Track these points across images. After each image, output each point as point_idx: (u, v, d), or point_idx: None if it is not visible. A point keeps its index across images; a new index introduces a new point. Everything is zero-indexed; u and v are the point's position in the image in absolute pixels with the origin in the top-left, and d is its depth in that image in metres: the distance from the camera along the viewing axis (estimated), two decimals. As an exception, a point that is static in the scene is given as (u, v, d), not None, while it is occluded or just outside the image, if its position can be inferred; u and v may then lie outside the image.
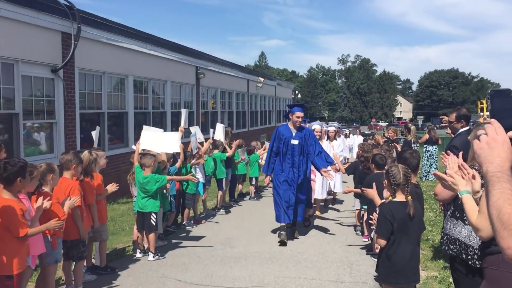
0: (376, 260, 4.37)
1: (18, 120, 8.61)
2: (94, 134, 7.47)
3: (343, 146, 11.74)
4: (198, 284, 5.59)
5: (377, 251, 4.75)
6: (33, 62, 8.97)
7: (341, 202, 11.10)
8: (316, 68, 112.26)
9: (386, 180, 3.99)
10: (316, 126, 9.97)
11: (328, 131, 10.73)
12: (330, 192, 10.63)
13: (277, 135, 8.01)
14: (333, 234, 8.00)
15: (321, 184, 9.55)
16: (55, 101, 9.68)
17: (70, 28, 9.77)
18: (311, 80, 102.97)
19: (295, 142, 7.83)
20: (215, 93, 19.83)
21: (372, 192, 4.41)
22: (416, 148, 13.89)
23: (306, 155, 7.91)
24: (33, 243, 4.31)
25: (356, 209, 7.97)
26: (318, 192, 9.54)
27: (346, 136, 17.96)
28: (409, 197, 3.89)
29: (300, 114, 7.93)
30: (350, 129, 20.05)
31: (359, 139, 17.60)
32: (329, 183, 9.90)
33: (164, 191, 7.18)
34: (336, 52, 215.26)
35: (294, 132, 7.93)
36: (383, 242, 3.89)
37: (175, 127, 14.92)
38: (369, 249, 6.81)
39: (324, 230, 8.34)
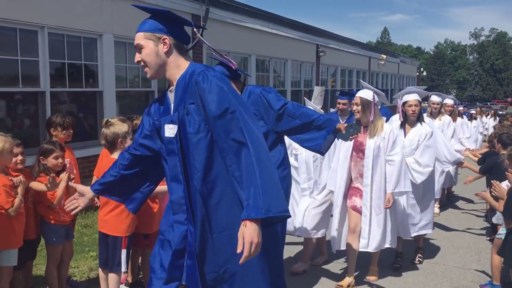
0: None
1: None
2: None
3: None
4: None
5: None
6: (166, 43, 9.68)
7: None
8: (445, 44, 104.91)
9: (508, 161, 3.74)
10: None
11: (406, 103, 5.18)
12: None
13: None
14: (461, 220, 7.57)
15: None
16: (185, 80, 10.37)
17: (199, 10, 10.33)
18: (438, 57, 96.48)
19: None
20: (335, 71, 19.58)
21: (487, 196, 3.98)
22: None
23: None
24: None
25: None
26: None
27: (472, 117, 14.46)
28: None
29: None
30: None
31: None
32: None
33: None
34: (468, 26, 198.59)
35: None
36: (510, 225, 3.66)
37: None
38: (489, 234, 6.45)
39: (451, 215, 7.92)
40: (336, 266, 5.31)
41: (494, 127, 7.18)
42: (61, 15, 7.50)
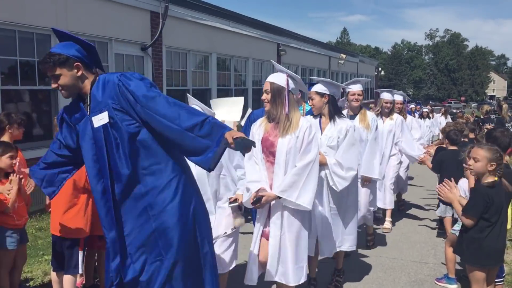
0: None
1: (112, 96, 9.18)
2: None
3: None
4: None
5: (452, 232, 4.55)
6: (125, 40, 9.47)
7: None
8: (402, 44, 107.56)
9: (467, 158, 3.79)
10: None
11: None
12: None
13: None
14: (416, 216, 7.76)
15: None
16: (144, 78, 10.18)
17: (158, 7, 10.16)
18: (395, 57, 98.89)
19: None
20: (295, 70, 19.71)
21: (451, 196, 3.82)
22: (510, 127, 13.00)
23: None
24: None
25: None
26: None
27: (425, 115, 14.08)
28: (496, 178, 3.66)
29: None
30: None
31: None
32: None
33: None
34: (423, 26, 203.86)
35: None
36: (470, 222, 3.67)
37: (256, 105, 15.10)
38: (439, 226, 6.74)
39: (407, 211, 8.11)
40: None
41: (447, 125, 7.26)
42: (12, 10, 7.20)
